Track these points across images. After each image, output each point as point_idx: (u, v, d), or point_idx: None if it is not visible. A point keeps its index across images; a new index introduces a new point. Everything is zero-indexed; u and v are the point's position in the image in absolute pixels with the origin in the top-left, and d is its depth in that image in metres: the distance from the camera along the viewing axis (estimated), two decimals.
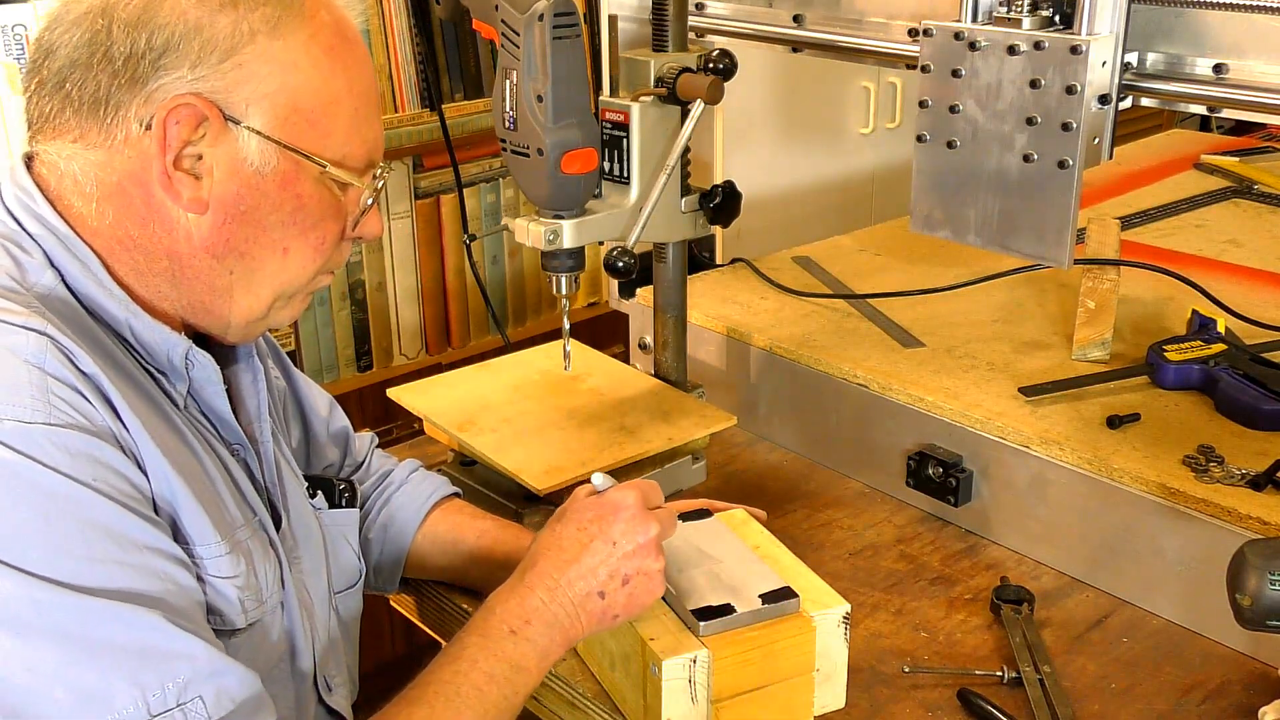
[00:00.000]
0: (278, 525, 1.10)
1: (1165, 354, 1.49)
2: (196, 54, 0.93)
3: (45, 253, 0.95)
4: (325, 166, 0.99)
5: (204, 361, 1.00)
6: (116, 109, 0.93)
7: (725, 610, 1.10)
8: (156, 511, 0.91)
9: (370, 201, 1.05)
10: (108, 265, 0.97)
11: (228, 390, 1.05)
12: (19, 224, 0.96)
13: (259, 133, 0.95)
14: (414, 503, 1.34)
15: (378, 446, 1.42)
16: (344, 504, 1.25)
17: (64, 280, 0.95)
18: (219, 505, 0.99)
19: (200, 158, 0.95)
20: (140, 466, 0.90)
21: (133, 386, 0.94)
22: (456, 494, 1.38)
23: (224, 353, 1.09)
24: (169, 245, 0.97)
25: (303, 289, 1.05)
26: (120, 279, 0.97)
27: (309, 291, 1.07)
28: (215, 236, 0.97)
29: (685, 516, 1.24)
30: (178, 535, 0.93)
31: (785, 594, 1.12)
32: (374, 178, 1.05)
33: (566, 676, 1.21)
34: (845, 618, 1.13)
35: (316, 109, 0.98)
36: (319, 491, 1.22)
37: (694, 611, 1.10)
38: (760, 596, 1.11)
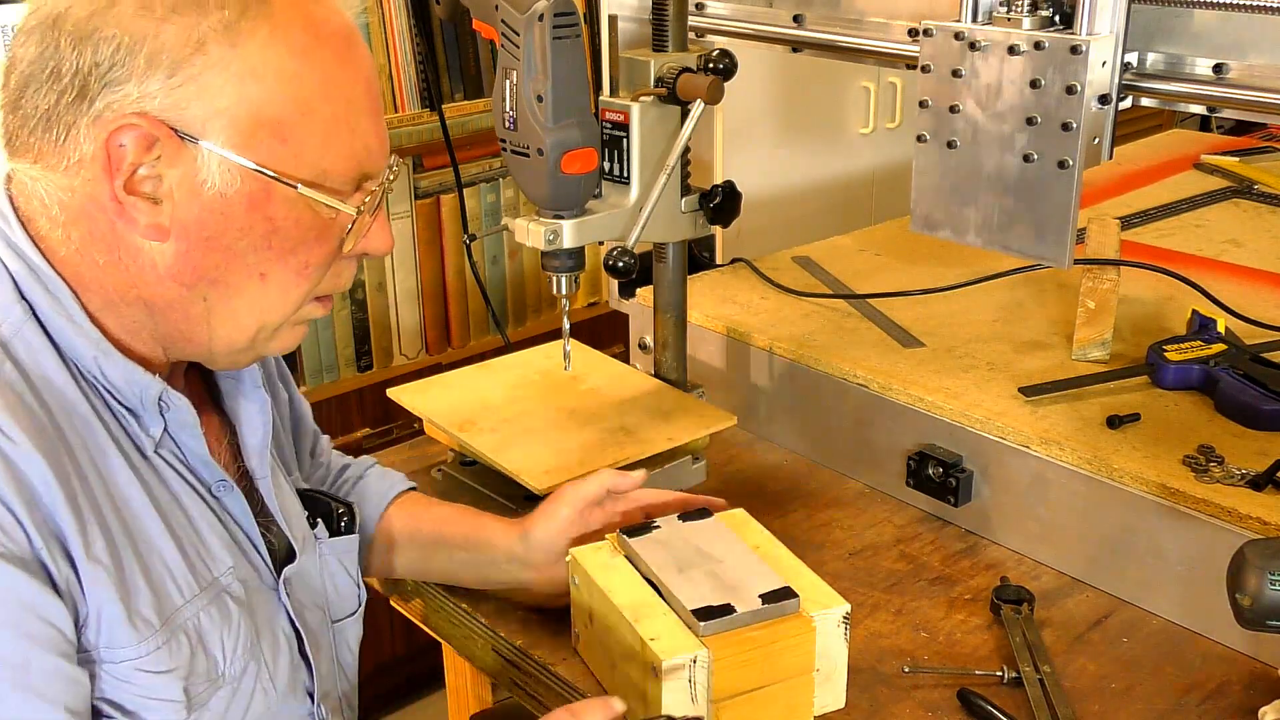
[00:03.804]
0: (290, 558, 1.06)
1: (1165, 354, 1.49)
2: (143, 68, 0.85)
3: (16, 284, 0.90)
4: (297, 187, 0.90)
5: (179, 404, 0.95)
6: (68, 129, 0.87)
7: (725, 610, 1.10)
8: (79, 627, 0.86)
9: (360, 216, 0.95)
10: (80, 298, 0.91)
11: (228, 416, 1.02)
12: None
13: (218, 151, 0.88)
14: (370, 501, 1.31)
15: (333, 449, 1.39)
16: (343, 530, 1.19)
17: (34, 313, 0.89)
18: (165, 580, 0.92)
19: (160, 178, 0.88)
20: (69, 582, 0.85)
21: (82, 449, 0.88)
22: (413, 488, 1.35)
23: (229, 381, 1.05)
24: (136, 274, 0.91)
25: (290, 317, 0.97)
26: (94, 312, 0.92)
27: (299, 321, 0.99)
28: (181, 264, 0.90)
29: (685, 516, 1.24)
30: (112, 640, 0.88)
31: (785, 594, 1.12)
32: (369, 191, 0.96)
33: (567, 677, 1.21)
34: (845, 618, 1.13)
35: (286, 121, 0.89)
36: (319, 520, 1.17)
37: (694, 611, 1.10)
38: (760, 596, 1.11)
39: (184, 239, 0.90)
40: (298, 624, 1.07)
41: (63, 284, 0.90)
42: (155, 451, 0.95)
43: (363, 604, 1.21)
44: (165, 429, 0.95)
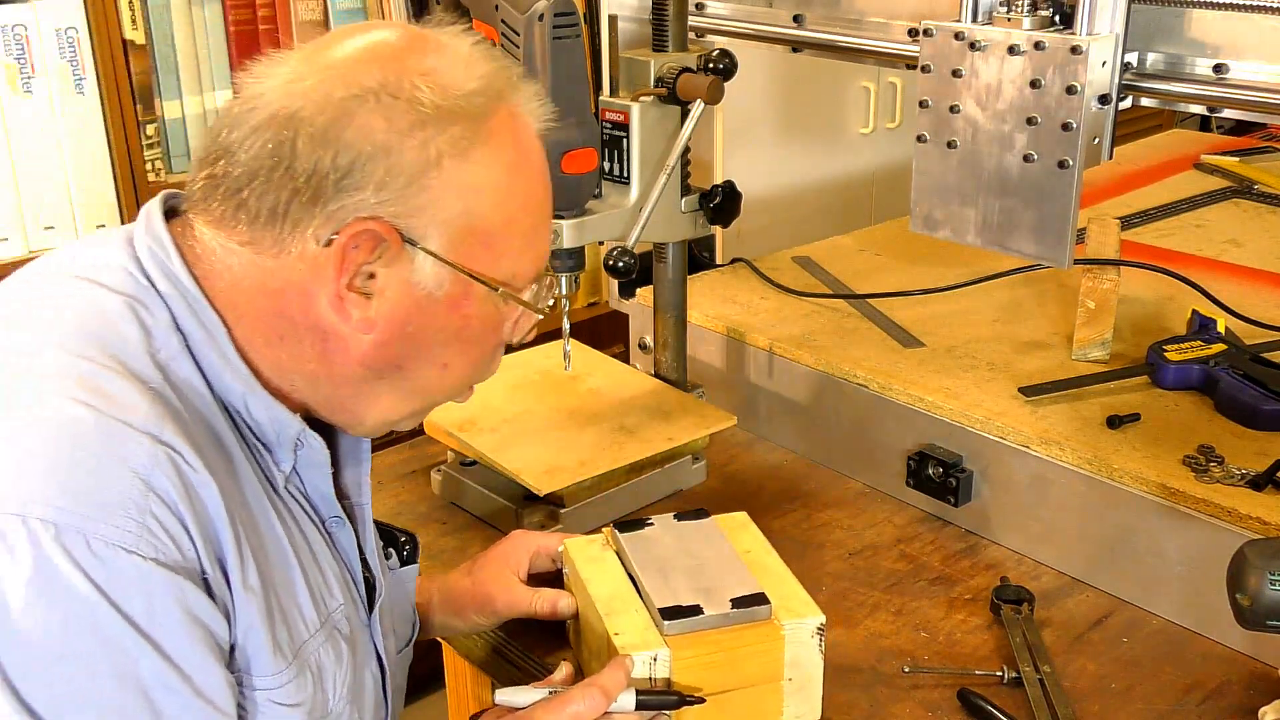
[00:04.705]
0: (374, 596, 1.06)
1: (1165, 354, 1.49)
2: (382, 176, 0.88)
3: (172, 314, 0.90)
4: (496, 290, 0.95)
5: (315, 445, 0.96)
6: (295, 225, 0.89)
7: (693, 611, 1.09)
8: (232, 652, 0.88)
9: (535, 312, 1.02)
10: (234, 338, 0.92)
11: (333, 453, 1.02)
12: (149, 279, 0.90)
13: (434, 255, 0.91)
14: None
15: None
16: (407, 559, 1.20)
17: (187, 344, 0.90)
18: (296, 614, 0.94)
19: (373, 276, 0.91)
20: (226, 606, 0.86)
21: (234, 480, 0.90)
22: None
23: None
24: (321, 351, 0.93)
25: (444, 402, 1.02)
26: (246, 355, 0.92)
27: (442, 404, 1.03)
28: (376, 354, 0.93)
29: (681, 516, 1.24)
30: (251, 667, 0.89)
31: (757, 600, 1.10)
32: (540, 287, 1.01)
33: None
34: (820, 629, 1.11)
35: (493, 230, 0.94)
36: (391, 551, 1.18)
37: (661, 610, 1.09)
38: (731, 601, 1.10)
39: (386, 331, 0.92)
40: (385, 661, 1.08)
41: (218, 320, 0.91)
42: (285, 486, 0.96)
43: (416, 631, 1.23)
44: (294, 465, 0.97)
